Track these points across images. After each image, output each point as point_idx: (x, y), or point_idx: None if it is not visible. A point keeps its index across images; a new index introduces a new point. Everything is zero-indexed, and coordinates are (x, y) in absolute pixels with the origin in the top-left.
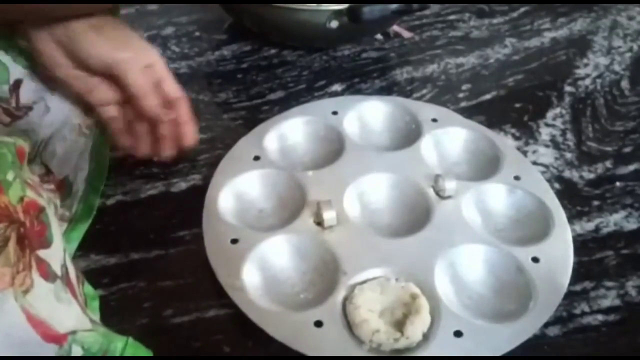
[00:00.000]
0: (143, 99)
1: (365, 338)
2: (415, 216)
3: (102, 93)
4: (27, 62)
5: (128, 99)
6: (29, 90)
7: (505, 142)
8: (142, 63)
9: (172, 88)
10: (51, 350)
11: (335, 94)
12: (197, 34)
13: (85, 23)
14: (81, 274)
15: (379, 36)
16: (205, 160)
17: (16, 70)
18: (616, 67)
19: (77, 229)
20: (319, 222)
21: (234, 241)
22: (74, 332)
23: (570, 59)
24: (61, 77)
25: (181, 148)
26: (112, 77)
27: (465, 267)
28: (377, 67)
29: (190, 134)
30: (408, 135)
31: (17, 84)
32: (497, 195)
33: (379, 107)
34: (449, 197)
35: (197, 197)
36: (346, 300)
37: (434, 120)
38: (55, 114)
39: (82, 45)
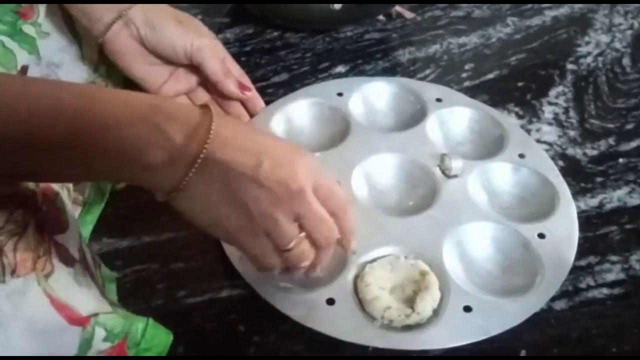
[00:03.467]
0: (222, 83)
1: (377, 315)
2: (422, 195)
3: (171, 86)
4: (32, 49)
5: (194, 88)
6: (36, 75)
7: (509, 121)
8: (213, 47)
9: (235, 66)
10: (75, 333)
11: (338, 76)
12: (199, 17)
13: (168, 14)
14: (97, 257)
15: (381, 17)
16: None
17: (23, 56)
18: (617, 45)
19: (91, 212)
20: None
21: None
22: (95, 315)
23: (571, 37)
24: (136, 76)
25: None
26: (188, 65)
27: (472, 244)
28: (380, 48)
29: (261, 103)
30: (413, 115)
31: (25, 69)
32: (503, 174)
33: (384, 88)
34: (455, 176)
35: None
36: (357, 278)
37: (439, 100)
38: None
39: (167, 35)
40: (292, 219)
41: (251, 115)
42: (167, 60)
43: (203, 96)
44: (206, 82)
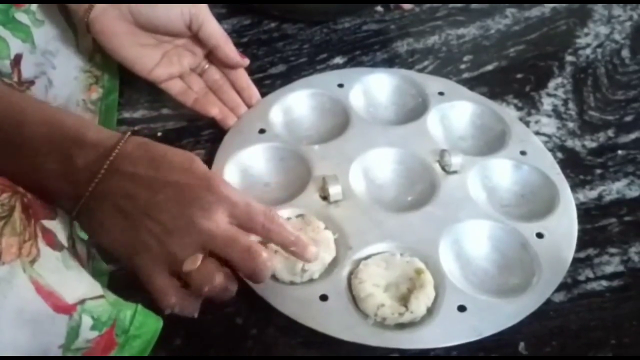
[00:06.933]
0: (224, 45)
1: (370, 312)
2: (420, 191)
3: (163, 68)
4: (26, 37)
5: (188, 72)
6: (30, 64)
7: (512, 117)
8: (209, 13)
9: None
10: (62, 321)
11: (336, 67)
12: None
13: None
14: (93, 250)
15: (379, 8)
16: (209, 135)
17: (16, 44)
18: (616, 36)
19: None
20: (325, 197)
21: None
22: (82, 302)
23: (570, 28)
24: (125, 58)
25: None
26: (180, 46)
27: (470, 242)
28: (378, 40)
29: (257, 94)
30: (414, 108)
31: (18, 58)
32: (503, 171)
33: (386, 80)
34: (454, 172)
35: None
36: (351, 274)
37: (441, 93)
38: (58, 89)
39: (160, 6)
40: (190, 248)
41: (248, 106)
42: (162, 32)
43: (197, 82)
44: (199, 66)
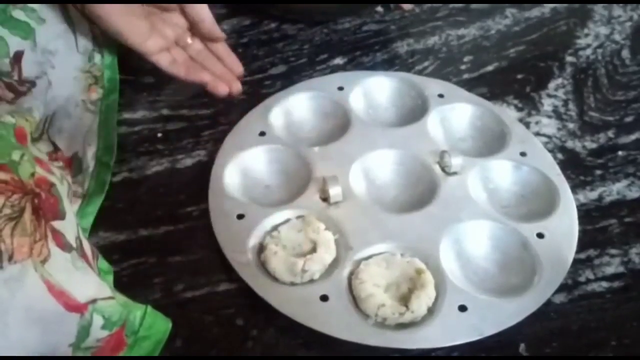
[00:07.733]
0: (209, 21)
1: (370, 312)
2: (421, 192)
3: (154, 40)
4: (27, 34)
5: (174, 43)
6: (31, 63)
7: (512, 118)
8: None
9: None
10: (73, 319)
11: (337, 68)
12: None
13: None
14: (96, 249)
15: (379, 8)
16: (209, 136)
17: (15, 42)
18: (617, 37)
19: (91, 203)
20: (325, 198)
21: (240, 216)
22: (94, 301)
23: (571, 29)
24: (115, 28)
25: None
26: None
27: (470, 243)
28: (379, 40)
29: (240, 67)
30: (414, 110)
31: (18, 56)
32: (503, 172)
33: (385, 83)
34: (454, 173)
35: (202, 173)
36: (352, 275)
37: (441, 95)
38: (58, 89)
39: None
40: None
41: (235, 74)
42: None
43: (181, 54)
44: (181, 39)
